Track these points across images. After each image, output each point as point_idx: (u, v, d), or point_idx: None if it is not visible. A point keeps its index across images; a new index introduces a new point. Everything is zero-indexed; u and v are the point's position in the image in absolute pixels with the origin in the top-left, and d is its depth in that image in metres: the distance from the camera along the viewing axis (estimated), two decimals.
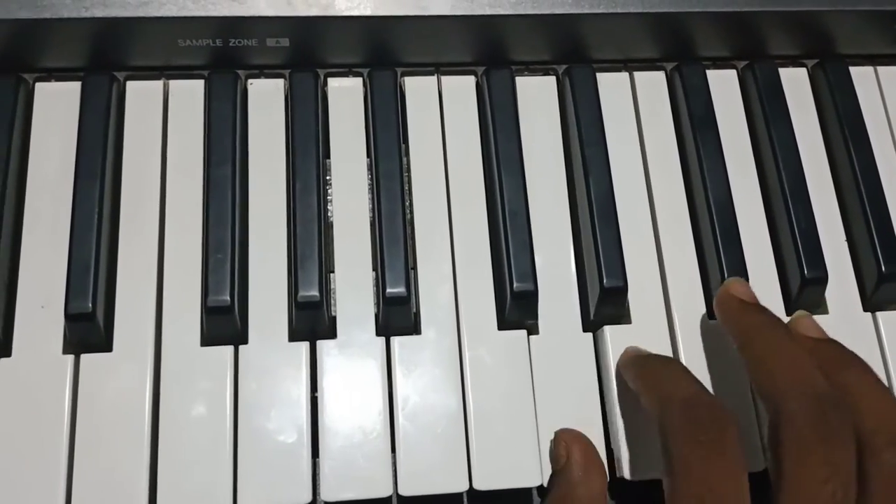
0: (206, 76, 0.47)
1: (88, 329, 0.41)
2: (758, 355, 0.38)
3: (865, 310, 0.46)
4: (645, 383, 0.39)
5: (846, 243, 0.47)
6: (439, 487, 0.41)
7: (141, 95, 0.47)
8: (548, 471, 0.41)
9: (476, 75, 0.49)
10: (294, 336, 0.42)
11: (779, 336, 0.38)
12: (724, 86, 0.50)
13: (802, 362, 0.37)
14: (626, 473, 0.41)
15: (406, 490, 0.40)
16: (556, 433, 0.41)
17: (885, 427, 0.35)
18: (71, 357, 0.41)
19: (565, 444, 0.40)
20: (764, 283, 0.46)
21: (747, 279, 0.44)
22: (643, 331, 0.44)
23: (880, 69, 0.52)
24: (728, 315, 0.40)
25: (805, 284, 0.45)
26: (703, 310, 0.45)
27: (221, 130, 0.45)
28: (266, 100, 0.47)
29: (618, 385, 0.42)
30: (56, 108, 0.46)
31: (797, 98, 0.50)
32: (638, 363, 0.41)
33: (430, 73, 0.49)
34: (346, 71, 0.48)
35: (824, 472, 0.33)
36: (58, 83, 0.46)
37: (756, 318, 0.39)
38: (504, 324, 0.44)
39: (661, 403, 0.37)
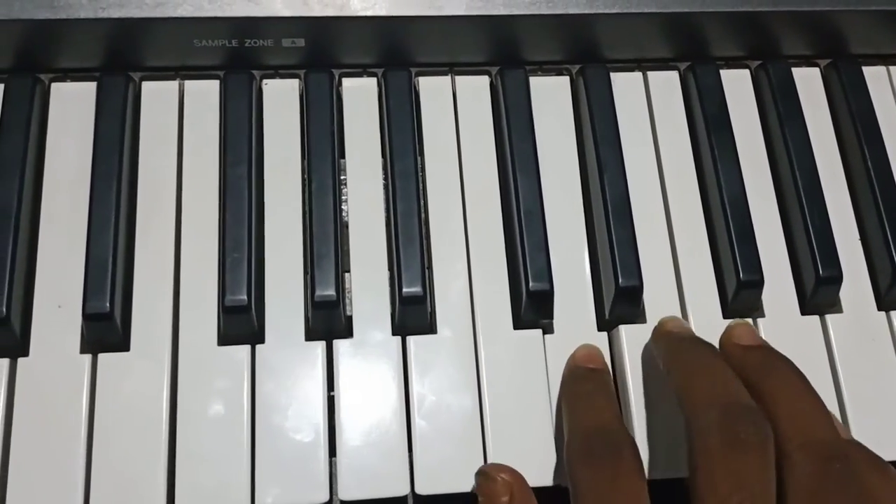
0: (222, 76, 0.47)
1: (106, 328, 0.41)
2: (678, 373, 0.38)
3: (880, 309, 0.46)
4: (566, 409, 0.40)
5: (860, 242, 0.47)
6: (455, 486, 0.41)
7: (156, 96, 0.47)
8: (562, 469, 0.41)
9: (490, 75, 0.49)
10: (310, 335, 0.43)
11: (699, 353, 0.39)
12: (737, 85, 0.50)
13: (719, 376, 0.37)
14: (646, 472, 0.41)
15: (422, 489, 0.40)
16: (490, 467, 0.40)
17: (798, 431, 0.35)
18: (88, 356, 0.41)
19: (504, 483, 0.38)
20: (778, 282, 0.46)
21: (762, 278, 0.44)
22: None
23: (893, 69, 0.52)
24: (658, 343, 0.41)
25: (820, 283, 0.45)
26: (718, 309, 0.45)
27: (237, 131, 0.45)
28: (281, 100, 0.47)
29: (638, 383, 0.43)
30: (72, 108, 0.46)
31: (810, 97, 0.50)
32: (565, 385, 0.42)
33: (445, 73, 0.49)
34: (361, 71, 0.48)
35: (728, 484, 0.33)
36: (74, 83, 0.46)
37: (681, 341, 0.40)
38: (519, 323, 0.44)
39: (568, 434, 0.38)
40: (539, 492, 0.42)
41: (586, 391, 0.40)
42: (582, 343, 0.43)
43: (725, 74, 0.50)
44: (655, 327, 0.42)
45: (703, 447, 0.34)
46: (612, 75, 0.49)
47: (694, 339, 0.41)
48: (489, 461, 0.41)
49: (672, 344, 0.41)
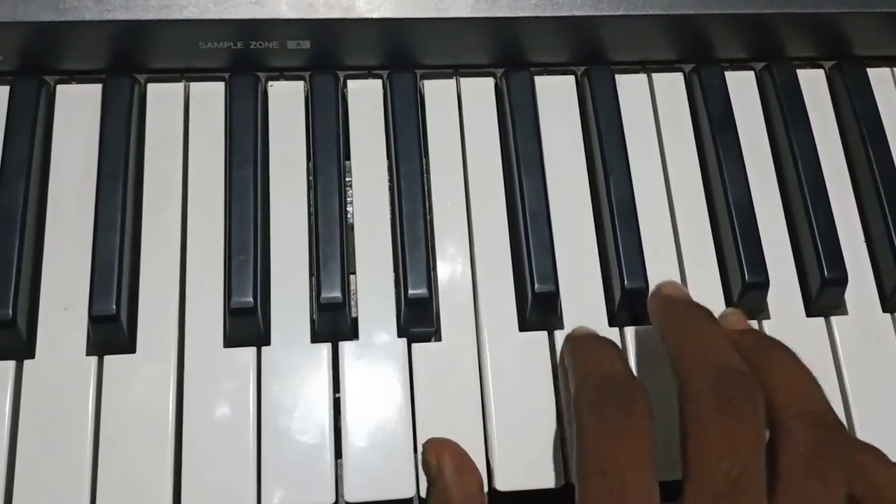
0: (227, 78, 0.47)
1: (112, 331, 0.41)
2: (673, 338, 0.38)
3: (885, 310, 0.46)
4: (569, 359, 0.39)
5: (865, 244, 0.47)
6: None
7: (162, 98, 0.47)
8: (569, 471, 0.41)
9: (495, 77, 0.49)
10: (316, 337, 0.43)
11: (695, 317, 0.38)
12: (742, 87, 0.50)
13: (714, 340, 0.36)
14: None
15: None
16: (425, 444, 0.40)
17: (795, 402, 0.35)
18: (94, 359, 0.41)
19: (434, 452, 0.40)
20: (783, 284, 0.46)
21: (767, 280, 0.44)
22: None
23: None
24: (654, 307, 0.41)
25: (825, 285, 0.45)
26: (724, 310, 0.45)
27: (243, 132, 0.45)
28: (286, 102, 0.47)
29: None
30: (77, 110, 0.46)
31: (815, 99, 0.50)
32: (569, 345, 0.41)
33: (450, 75, 0.49)
34: (366, 73, 0.48)
35: (720, 448, 0.32)
36: (79, 85, 0.47)
37: (677, 305, 0.40)
38: (525, 325, 0.44)
39: (577, 382, 0.37)
40: (545, 494, 0.43)
41: (593, 339, 0.40)
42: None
43: (730, 76, 0.50)
44: (652, 292, 0.42)
45: (696, 411, 0.33)
46: (617, 77, 0.49)
47: (690, 303, 0.40)
48: (493, 463, 0.41)
49: (668, 308, 0.40)
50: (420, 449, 0.41)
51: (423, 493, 0.41)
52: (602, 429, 0.34)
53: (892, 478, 0.36)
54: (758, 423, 0.33)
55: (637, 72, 0.50)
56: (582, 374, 0.37)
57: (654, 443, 0.34)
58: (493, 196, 0.46)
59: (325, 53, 0.47)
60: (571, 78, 0.50)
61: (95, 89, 0.46)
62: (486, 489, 0.41)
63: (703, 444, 0.33)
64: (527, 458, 0.41)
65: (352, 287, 0.44)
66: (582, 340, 0.40)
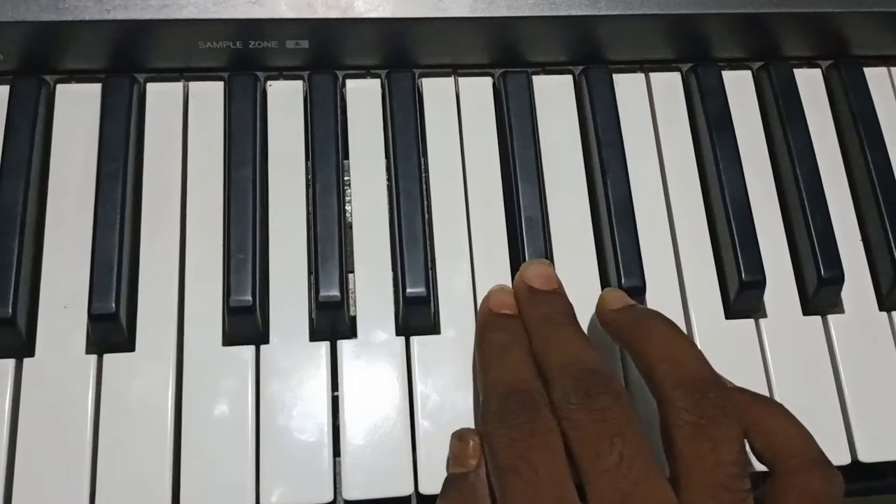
0: (226, 78, 0.47)
1: (111, 329, 0.41)
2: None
3: (881, 309, 0.46)
4: (480, 366, 0.40)
5: (862, 243, 0.48)
6: None
7: (161, 97, 0.47)
8: None
9: (493, 77, 0.49)
10: (315, 336, 0.43)
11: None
12: (739, 87, 0.50)
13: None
14: None
15: (427, 488, 0.41)
16: (463, 432, 0.39)
17: (672, 371, 0.36)
18: (94, 357, 0.41)
19: (475, 448, 0.38)
20: (780, 283, 0.46)
21: (764, 279, 0.45)
22: None
23: (894, 70, 0.52)
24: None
25: (821, 284, 0.45)
26: (721, 310, 0.45)
27: (241, 132, 0.45)
28: (285, 101, 0.47)
29: None
30: (77, 109, 0.46)
31: (812, 99, 0.50)
32: (482, 330, 0.42)
33: (448, 75, 0.49)
34: (365, 72, 0.48)
35: (596, 431, 0.34)
36: (79, 85, 0.47)
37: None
38: None
39: (484, 392, 0.38)
40: None
41: (501, 343, 0.40)
42: None
43: (727, 76, 0.50)
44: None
45: (566, 413, 0.35)
46: (615, 77, 0.49)
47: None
48: None
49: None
50: (418, 447, 0.41)
51: (421, 491, 0.41)
52: (510, 436, 0.35)
53: (777, 423, 0.37)
54: (621, 408, 0.35)
55: (634, 71, 0.50)
56: (487, 384, 0.38)
57: (560, 435, 0.35)
58: (491, 195, 0.46)
59: (324, 53, 0.47)
60: (569, 77, 0.50)
61: (95, 89, 0.46)
62: None
63: (580, 435, 0.34)
64: None
65: (350, 286, 0.44)
66: (487, 342, 0.40)
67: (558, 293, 0.41)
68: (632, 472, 0.33)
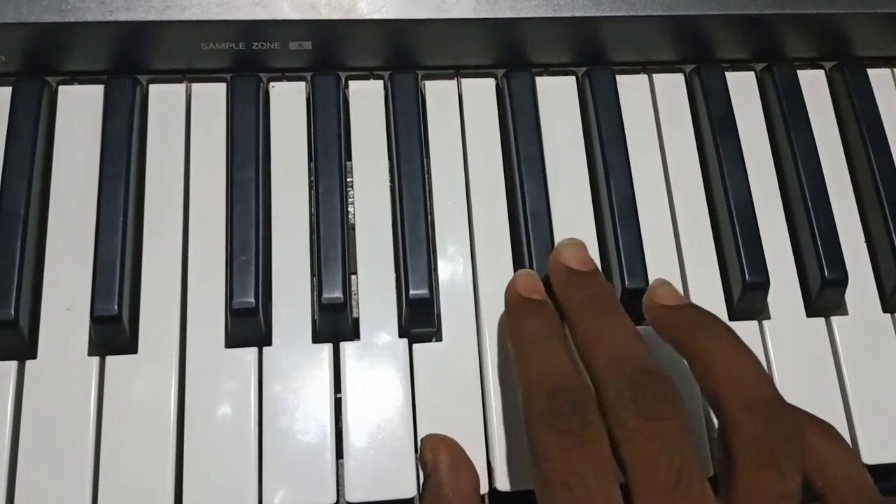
0: (229, 79, 0.47)
1: (114, 331, 0.41)
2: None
3: (885, 310, 0.46)
4: (516, 355, 0.37)
5: (865, 244, 0.48)
6: None
7: (164, 98, 0.47)
8: None
9: (496, 78, 0.49)
10: (317, 338, 0.43)
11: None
12: (742, 88, 0.50)
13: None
14: None
15: None
16: (422, 439, 0.40)
17: (740, 391, 0.34)
18: (96, 359, 0.41)
19: (431, 448, 0.39)
20: (784, 284, 0.46)
21: (767, 280, 0.44)
22: None
23: None
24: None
25: (825, 286, 0.45)
26: (724, 311, 0.45)
27: (244, 133, 0.45)
28: (288, 102, 0.47)
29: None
30: (79, 111, 0.46)
31: (815, 100, 0.50)
32: (515, 317, 0.39)
33: (451, 76, 0.49)
34: (368, 74, 0.48)
35: (655, 446, 0.32)
36: (81, 86, 0.47)
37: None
38: None
39: (525, 387, 0.36)
40: None
41: (539, 332, 0.37)
42: None
43: (731, 77, 0.50)
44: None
45: (620, 418, 0.33)
46: (618, 78, 0.49)
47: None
48: (494, 463, 0.41)
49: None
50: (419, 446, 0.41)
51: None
52: (559, 443, 0.33)
53: (834, 455, 0.36)
54: (680, 420, 0.33)
55: (638, 72, 0.50)
56: (529, 379, 0.36)
57: (608, 443, 0.33)
58: (494, 196, 0.46)
59: (327, 54, 0.47)
60: (572, 79, 0.50)
61: (97, 90, 0.46)
62: (486, 489, 0.41)
63: (636, 447, 0.33)
64: (527, 458, 0.41)
65: (353, 287, 0.44)
66: (523, 329, 0.38)
67: (599, 274, 0.39)
68: (689, 496, 0.32)
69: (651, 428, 0.33)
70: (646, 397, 0.33)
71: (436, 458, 0.39)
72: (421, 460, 0.40)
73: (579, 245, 0.40)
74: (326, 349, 0.42)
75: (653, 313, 0.39)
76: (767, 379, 0.35)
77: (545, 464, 0.33)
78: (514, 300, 0.39)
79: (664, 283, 0.40)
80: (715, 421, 0.36)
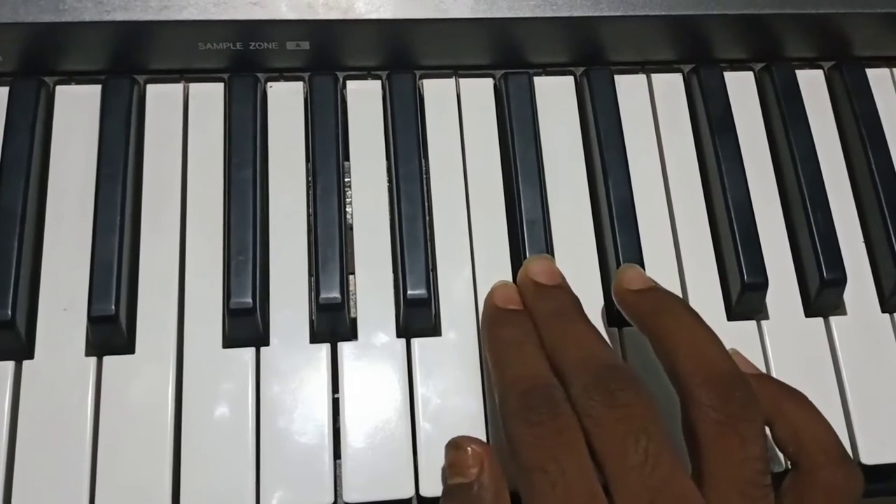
0: (227, 79, 0.47)
1: (111, 331, 0.41)
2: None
3: (884, 311, 0.46)
4: (492, 362, 0.39)
5: (864, 244, 0.48)
6: None
7: (161, 98, 0.47)
8: None
9: (494, 78, 0.49)
10: (315, 338, 0.43)
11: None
12: (741, 88, 0.50)
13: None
14: None
15: (427, 491, 0.40)
16: (461, 440, 0.38)
17: (698, 368, 0.36)
18: (93, 359, 0.41)
19: (475, 455, 0.37)
20: (782, 284, 0.46)
21: (766, 280, 0.44)
22: None
23: None
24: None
25: (824, 286, 0.45)
26: (723, 311, 0.45)
27: (242, 133, 0.45)
28: (286, 102, 0.47)
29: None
30: (77, 111, 0.46)
31: (814, 100, 0.50)
32: (490, 327, 0.41)
33: (449, 76, 0.49)
34: (365, 73, 0.48)
35: (620, 429, 0.34)
36: (78, 86, 0.47)
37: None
38: None
39: (500, 390, 0.37)
40: None
41: (513, 339, 0.39)
42: None
43: (729, 77, 0.50)
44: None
45: (586, 409, 0.35)
46: (616, 78, 0.49)
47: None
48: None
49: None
50: (419, 449, 0.41)
51: (422, 493, 0.41)
52: (533, 434, 0.35)
53: (804, 419, 0.38)
54: (644, 404, 0.35)
55: (636, 72, 0.50)
56: (504, 382, 0.37)
57: (580, 432, 0.35)
58: (492, 197, 0.46)
59: (325, 54, 0.47)
60: (570, 79, 0.50)
61: (95, 90, 0.46)
62: None
63: (604, 433, 0.34)
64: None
65: (351, 287, 0.44)
66: (498, 337, 0.40)
67: (563, 288, 0.41)
68: (658, 470, 0.33)
69: (615, 414, 0.34)
70: (608, 388, 0.35)
71: (481, 470, 0.37)
72: (454, 461, 0.38)
73: (546, 259, 0.43)
74: (324, 349, 0.42)
75: (620, 297, 0.41)
76: (724, 354, 0.37)
77: (521, 454, 0.35)
78: (491, 311, 0.41)
79: (631, 267, 0.42)
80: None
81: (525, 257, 0.44)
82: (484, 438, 0.41)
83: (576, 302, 0.40)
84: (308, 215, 0.45)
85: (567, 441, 0.34)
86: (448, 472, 0.38)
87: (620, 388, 0.35)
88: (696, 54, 0.50)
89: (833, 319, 0.45)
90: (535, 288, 0.41)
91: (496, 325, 0.41)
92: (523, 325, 0.40)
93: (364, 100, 0.48)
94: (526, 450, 0.35)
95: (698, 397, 0.35)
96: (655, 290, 0.40)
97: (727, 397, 0.35)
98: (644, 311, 0.39)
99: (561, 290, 0.41)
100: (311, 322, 0.43)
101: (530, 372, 0.37)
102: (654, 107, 0.49)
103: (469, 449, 0.37)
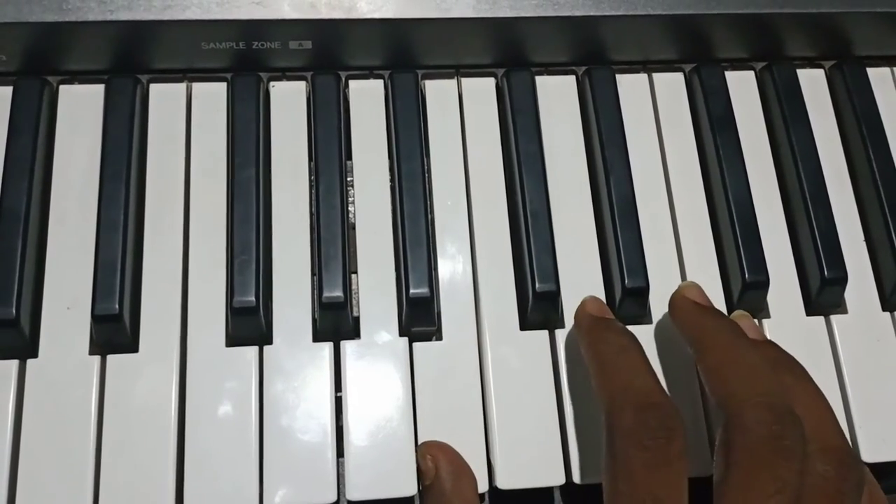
0: (229, 79, 0.47)
1: (115, 330, 0.41)
2: (714, 360, 0.37)
3: (885, 309, 0.46)
4: (599, 367, 0.38)
5: (865, 243, 0.48)
6: None
7: (164, 98, 0.47)
8: (571, 469, 0.41)
9: (496, 77, 0.49)
10: (318, 336, 0.43)
11: (735, 341, 0.38)
12: (742, 87, 0.50)
13: (760, 371, 0.36)
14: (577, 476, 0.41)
15: None
16: (420, 447, 0.41)
17: (817, 435, 0.35)
18: (97, 358, 0.41)
19: (431, 457, 0.40)
20: (784, 283, 0.46)
21: (767, 279, 0.45)
22: (664, 331, 0.44)
23: None
24: (682, 318, 0.40)
25: (825, 284, 0.45)
26: (725, 310, 0.45)
27: (245, 132, 0.45)
28: (288, 102, 0.47)
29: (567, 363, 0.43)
30: (80, 110, 0.46)
31: (815, 99, 0.50)
32: (592, 333, 0.40)
33: (451, 76, 0.49)
34: (368, 73, 0.48)
35: (773, 486, 0.33)
36: (82, 86, 0.47)
37: (711, 322, 0.39)
38: (526, 323, 0.44)
39: (611, 397, 0.36)
40: (545, 492, 0.43)
41: (621, 345, 0.38)
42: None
43: (730, 76, 0.50)
44: (673, 294, 0.41)
45: (747, 444, 0.34)
46: (618, 77, 0.49)
47: (728, 323, 0.39)
48: (496, 461, 0.41)
49: (702, 323, 0.39)
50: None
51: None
52: (642, 459, 0.33)
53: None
54: (801, 462, 0.33)
55: (638, 72, 0.50)
56: (614, 391, 0.36)
57: (687, 465, 0.34)
58: (494, 195, 0.46)
59: (327, 54, 0.47)
60: (572, 78, 0.50)
61: (98, 90, 0.46)
62: (486, 487, 0.41)
63: (756, 480, 0.33)
64: (528, 457, 0.41)
65: (353, 286, 0.44)
66: (604, 342, 0.39)
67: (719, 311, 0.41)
68: None
69: (778, 465, 0.33)
70: (784, 434, 0.33)
71: (437, 465, 0.40)
72: (419, 468, 0.40)
73: (699, 287, 0.42)
74: (327, 348, 0.42)
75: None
76: (840, 428, 0.36)
77: (625, 479, 0.33)
78: (589, 319, 0.41)
79: (745, 317, 0.42)
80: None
81: (528, 253, 0.44)
82: (483, 435, 0.42)
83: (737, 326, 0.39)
84: (311, 214, 0.45)
85: (675, 476, 0.33)
86: (420, 479, 0.40)
87: (794, 439, 0.34)
88: (697, 53, 0.50)
89: (834, 318, 0.46)
90: (696, 307, 0.40)
91: (599, 329, 0.40)
92: (628, 332, 0.39)
93: (366, 99, 0.48)
94: (630, 475, 0.33)
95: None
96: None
97: (779, 432, 0.33)
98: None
99: (719, 313, 0.40)
100: (314, 321, 0.43)
101: (645, 385, 0.36)
102: (655, 106, 0.50)
103: (427, 456, 0.40)
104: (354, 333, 0.43)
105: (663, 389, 0.36)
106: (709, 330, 0.39)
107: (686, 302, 0.41)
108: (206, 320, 0.42)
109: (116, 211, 0.43)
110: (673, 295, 0.42)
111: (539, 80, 0.49)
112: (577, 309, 0.42)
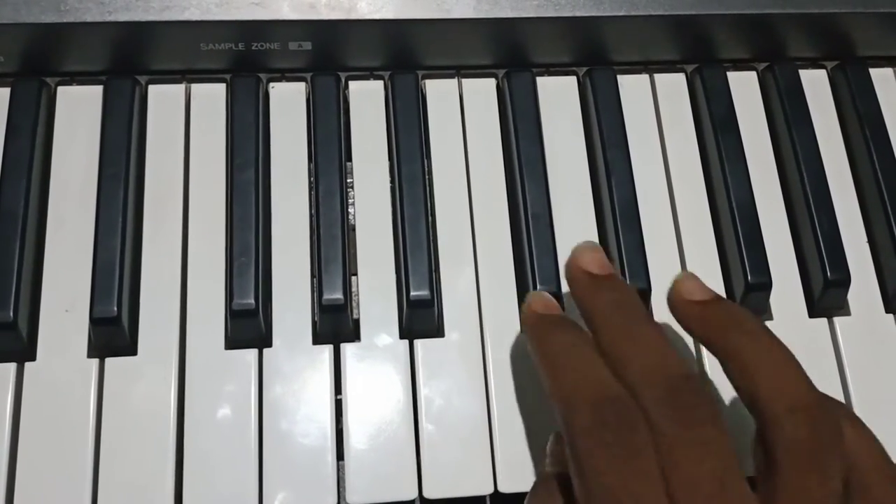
0: (229, 80, 0.47)
1: (113, 333, 0.41)
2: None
3: (888, 311, 0.46)
4: (548, 368, 0.35)
5: (868, 244, 0.47)
6: (463, 490, 0.41)
7: (163, 99, 0.47)
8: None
9: (497, 78, 0.49)
10: (318, 339, 0.43)
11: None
12: (744, 88, 0.50)
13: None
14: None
15: (430, 493, 0.40)
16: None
17: (782, 393, 0.33)
18: (96, 361, 0.41)
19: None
20: (786, 284, 0.46)
21: (770, 281, 0.44)
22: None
23: None
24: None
25: (828, 286, 0.45)
26: None
27: (244, 134, 0.45)
28: (288, 103, 0.47)
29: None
30: (78, 111, 0.46)
31: (817, 100, 0.50)
32: (538, 333, 0.37)
33: (451, 76, 0.49)
34: (368, 74, 0.48)
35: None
36: (80, 87, 0.46)
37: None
38: None
39: (563, 398, 0.33)
40: None
41: (566, 342, 0.35)
42: None
43: (732, 76, 0.50)
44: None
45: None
46: (620, 78, 0.49)
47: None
48: (497, 465, 0.41)
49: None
50: (422, 451, 0.41)
51: (425, 495, 0.41)
52: (607, 456, 0.31)
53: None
54: (718, 422, 0.32)
55: (639, 72, 0.50)
56: (566, 391, 0.34)
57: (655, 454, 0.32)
58: (494, 197, 0.46)
59: (327, 54, 0.47)
60: (573, 79, 0.50)
61: (96, 91, 0.46)
62: (489, 490, 0.41)
63: (676, 455, 0.31)
64: (529, 459, 0.41)
65: (353, 289, 0.44)
66: (550, 340, 0.36)
67: (621, 279, 0.37)
68: (732, 500, 0.31)
69: (690, 434, 0.31)
70: (685, 402, 0.32)
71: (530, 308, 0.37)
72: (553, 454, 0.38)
73: (597, 248, 0.38)
74: (327, 350, 0.42)
75: (681, 309, 0.37)
76: (806, 378, 0.34)
77: (592, 479, 0.31)
78: (534, 318, 0.38)
79: (691, 277, 0.38)
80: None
81: (529, 254, 0.44)
82: (486, 440, 0.41)
83: (636, 296, 0.36)
84: (310, 216, 0.45)
85: (643, 467, 0.31)
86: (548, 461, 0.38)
87: (695, 405, 0.32)
88: (699, 54, 0.50)
89: (837, 320, 0.45)
90: (590, 279, 0.37)
91: (545, 329, 0.37)
92: (573, 328, 0.36)
93: (366, 100, 0.48)
94: (597, 475, 0.31)
95: (783, 425, 0.32)
96: (720, 301, 0.37)
97: (815, 429, 0.32)
98: (712, 326, 0.36)
99: (619, 281, 0.37)
100: (314, 323, 0.43)
101: (597, 379, 0.33)
102: (657, 107, 0.49)
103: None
104: (354, 336, 0.43)
105: (614, 381, 0.33)
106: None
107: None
108: (206, 323, 0.42)
109: (115, 213, 0.43)
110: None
111: (540, 80, 0.49)
112: (523, 307, 0.39)
